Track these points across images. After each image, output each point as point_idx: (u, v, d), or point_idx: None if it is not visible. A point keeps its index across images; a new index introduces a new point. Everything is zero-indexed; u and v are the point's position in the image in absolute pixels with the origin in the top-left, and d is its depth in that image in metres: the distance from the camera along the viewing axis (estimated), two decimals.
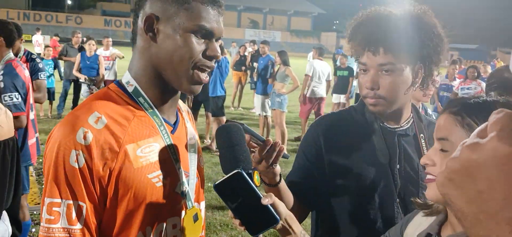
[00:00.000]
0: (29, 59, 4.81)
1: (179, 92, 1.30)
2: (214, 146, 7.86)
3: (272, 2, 71.29)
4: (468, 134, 0.97)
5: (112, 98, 1.21)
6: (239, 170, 1.18)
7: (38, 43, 19.35)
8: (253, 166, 1.30)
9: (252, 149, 1.38)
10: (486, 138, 0.49)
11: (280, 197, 1.50)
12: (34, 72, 4.65)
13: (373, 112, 1.61)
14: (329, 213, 1.68)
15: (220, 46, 8.23)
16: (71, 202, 1.08)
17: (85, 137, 1.09)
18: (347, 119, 1.70)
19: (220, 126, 1.28)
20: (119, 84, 1.26)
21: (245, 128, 1.35)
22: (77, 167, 1.08)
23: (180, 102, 1.41)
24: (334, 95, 10.86)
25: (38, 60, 4.87)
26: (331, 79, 9.35)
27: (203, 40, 1.20)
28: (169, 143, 1.24)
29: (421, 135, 1.65)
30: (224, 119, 7.88)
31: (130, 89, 1.23)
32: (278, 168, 1.45)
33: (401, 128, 1.64)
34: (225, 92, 8.00)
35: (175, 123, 1.32)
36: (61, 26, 48.61)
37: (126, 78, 1.26)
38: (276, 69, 8.93)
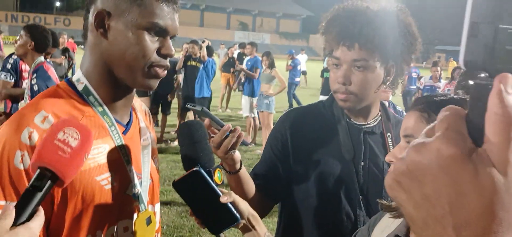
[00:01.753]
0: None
1: (134, 91, 1.25)
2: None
3: (261, 4, 71.38)
4: None
5: (60, 96, 1.15)
6: (197, 168, 1.16)
7: None
8: (212, 151, 1.28)
9: (212, 134, 1.36)
10: (431, 138, 0.46)
11: (240, 186, 1.50)
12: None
13: (341, 108, 1.60)
14: (292, 207, 1.66)
15: (208, 46, 8.25)
16: (13, 204, 1.04)
17: (30, 137, 1.04)
18: (315, 113, 1.68)
19: (181, 123, 1.26)
20: (69, 82, 1.20)
21: (205, 111, 1.34)
22: (22, 168, 1.03)
23: (137, 102, 1.37)
24: (321, 96, 10.89)
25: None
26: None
27: (157, 37, 1.15)
28: (120, 144, 1.19)
29: (388, 134, 1.63)
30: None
31: (80, 87, 1.18)
32: (237, 155, 1.43)
33: (367, 125, 1.63)
34: (211, 94, 7.99)
35: (128, 123, 1.27)
36: (49, 28, 48.07)
37: (77, 75, 1.20)
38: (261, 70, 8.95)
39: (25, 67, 4.55)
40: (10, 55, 4.68)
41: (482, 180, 0.43)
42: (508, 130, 0.43)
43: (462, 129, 0.45)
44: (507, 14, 0.46)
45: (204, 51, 7.87)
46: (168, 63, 1.19)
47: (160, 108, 8.47)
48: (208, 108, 7.92)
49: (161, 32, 1.15)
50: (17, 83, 4.61)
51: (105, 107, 1.19)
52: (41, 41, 4.13)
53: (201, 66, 7.98)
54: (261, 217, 1.75)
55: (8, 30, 34.58)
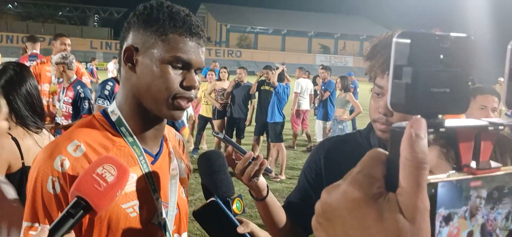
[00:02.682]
0: None
1: (164, 122, 1.31)
2: (273, 174, 7.87)
3: (343, 28, 70.82)
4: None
5: (94, 126, 1.24)
6: (214, 199, 1.19)
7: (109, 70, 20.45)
8: (231, 181, 1.30)
9: (237, 161, 1.39)
10: (341, 181, 0.47)
11: (268, 213, 1.49)
12: None
13: (378, 138, 1.55)
14: None
15: (283, 71, 8.33)
16: (47, 227, 1.13)
17: (62, 165, 1.13)
18: (350, 142, 1.65)
19: (201, 154, 1.29)
20: (105, 113, 1.29)
21: (226, 139, 1.36)
22: (53, 193, 1.12)
23: (171, 132, 1.44)
24: None
25: None
26: (312, 93, 10.74)
27: (180, 71, 1.21)
28: (147, 173, 1.25)
29: None
30: (282, 145, 7.89)
31: (113, 118, 1.26)
32: (262, 182, 1.44)
33: None
34: (284, 118, 8.02)
35: (158, 153, 1.33)
36: None
37: (112, 107, 1.29)
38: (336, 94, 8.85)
39: None
40: (107, 81, 4.75)
41: (386, 224, 0.43)
42: (417, 175, 0.43)
43: (374, 172, 0.46)
44: (429, 56, 0.45)
45: (275, 77, 7.96)
46: (191, 95, 1.25)
47: (234, 132, 8.66)
48: (281, 133, 7.95)
49: (185, 66, 1.21)
50: None
51: (135, 137, 1.26)
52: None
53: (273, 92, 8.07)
54: None
55: (102, 56, 37.38)
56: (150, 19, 1.20)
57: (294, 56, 53.98)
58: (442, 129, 0.46)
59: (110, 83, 4.61)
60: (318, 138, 9.28)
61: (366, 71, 1.54)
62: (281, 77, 8.14)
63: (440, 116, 0.47)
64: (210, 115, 9.15)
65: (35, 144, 2.25)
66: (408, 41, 0.44)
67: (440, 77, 0.45)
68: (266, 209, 1.50)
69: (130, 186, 1.21)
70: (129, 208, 1.20)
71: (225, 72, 9.42)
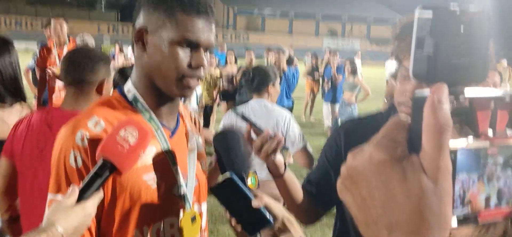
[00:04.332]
0: None
1: (177, 99, 1.36)
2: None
3: (351, 10, 70.19)
4: None
5: (112, 104, 1.30)
6: (229, 174, 1.23)
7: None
8: (246, 157, 1.34)
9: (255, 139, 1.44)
10: (367, 145, 0.50)
11: (286, 189, 1.53)
12: None
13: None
14: (345, 214, 1.67)
15: (290, 56, 8.30)
16: (77, 187, 1.15)
17: (83, 139, 1.19)
18: (371, 124, 1.65)
19: (217, 131, 1.33)
20: (121, 91, 1.35)
21: (245, 116, 1.40)
22: (75, 167, 1.18)
23: (186, 109, 1.49)
24: None
25: None
26: None
27: (189, 50, 1.25)
28: (166, 146, 1.31)
29: None
30: None
31: (129, 96, 1.32)
32: (280, 159, 1.48)
33: None
34: (292, 103, 8.03)
35: (175, 128, 1.38)
36: None
37: (127, 86, 1.35)
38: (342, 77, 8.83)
39: None
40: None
41: (410, 184, 0.46)
42: (439, 139, 0.46)
43: (397, 136, 0.49)
44: (450, 29, 0.47)
45: (284, 62, 7.95)
46: (200, 74, 1.28)
47: None
48: None
49: (193, 46, 1.25)
50: None
51: (151, 113, 1.31)
52: None
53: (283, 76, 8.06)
54: (312, 222, 1.78)
55: (109, 40, 37.38)
56: (158, 0, 1.23)
57: (301, 40, 53.68)
58: (462, 96, 0.49)
59: None
60: (326, 120, 9.30)
61: (393, 52, 1.48)
62: (290, 61, 8.14)
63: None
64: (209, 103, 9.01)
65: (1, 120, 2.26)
66: (430, 13, 0.47)
67: (460, 48, 0.48)
68: (284, 186, 1.54)
69: (150, 158, 1.26)
70: (150, 180, 1.26)
71: (232, 55, 9.41)
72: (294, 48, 11.56)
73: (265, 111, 3.36)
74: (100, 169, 1.08)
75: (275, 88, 3.56)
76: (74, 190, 1.06)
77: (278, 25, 63.60)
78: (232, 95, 8.85)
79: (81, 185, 1.09)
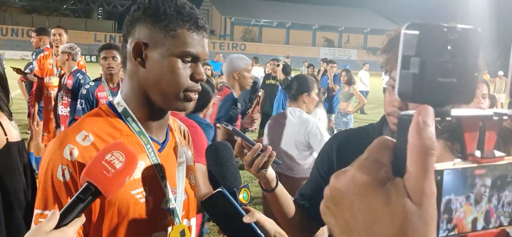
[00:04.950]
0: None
1: (168, 113, 1.35)
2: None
3: (347, 21, 70.48)
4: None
5: (101, 117, 1.29)
6: (221, 189, 1.21)
7: None
8: (237, 171, 1.33)
9: (246, 152, 1.42)
10: (350, 167, 0.49)
11: (278, 204, 1.51)
12: None
13: (392, 131, 1.55)
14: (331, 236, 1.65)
15: (284, 65, 8.32)
16: (58, 211, 1.16)
17: (71, 153, 1.17)
18: (363, 135, 1.65)
19: (208, 145, 1.32)
20: (111, 104, 1.33)
21: (235, 131, 1.39)
22: (63, 181, 1.16)
23: (176, 122, 1.48)
24: None
25: None
26: None
27: (189, 64, 1.26)
28: (155, 161, 1.29)
29: None
30: None
31: (119, 109, 1.31)
32: (271, 173, 1.46)
33: None
34: None
35: (164, 142, 1.37)
36: None
37: (117, 99, 1.33)
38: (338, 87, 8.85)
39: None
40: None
41: (394, 207, 0.44)
42: (424, 161, 0.44)
43: (381, 158, 0.47)
44: (437, 47, 0.46)
45: (280, 72, 7.97)
46: (199, 87, 1.29)
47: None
48: None
49: (193, 59, 1.26)
50: None
51: (141, 127, 1.30)
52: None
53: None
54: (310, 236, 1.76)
55: None
56: (157, 14, 1.23)
57: (298, 49, 53.86)
58: (448, 118, 0.48)
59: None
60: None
61: (382, 64, 1.51)
62: (287, 70, 8.15)
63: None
64: None
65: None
66: (416, 32, 0.45)
67: (447, 67, 0.46)
68: (275, 200, 1.52)
69: (139, 173, 1.25)
70: (138, 194, 1.24)
71: None
72: (290, 58, 11.59)
73: (298, 120, 3.51)
74: (84, 193, 1.04)
75: (311, 98, 3.64)
76: (55, 214, 1.02)
77: (275, 35, 63.76)
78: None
79: (63, 208, 1.05)
